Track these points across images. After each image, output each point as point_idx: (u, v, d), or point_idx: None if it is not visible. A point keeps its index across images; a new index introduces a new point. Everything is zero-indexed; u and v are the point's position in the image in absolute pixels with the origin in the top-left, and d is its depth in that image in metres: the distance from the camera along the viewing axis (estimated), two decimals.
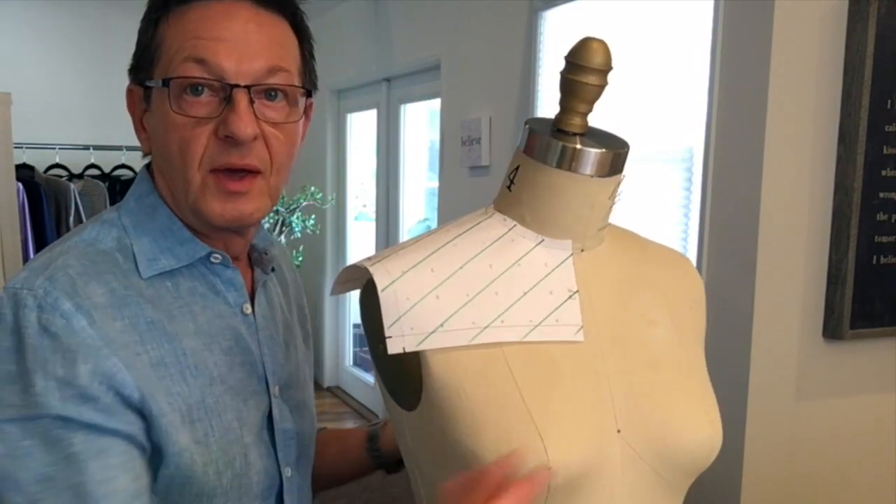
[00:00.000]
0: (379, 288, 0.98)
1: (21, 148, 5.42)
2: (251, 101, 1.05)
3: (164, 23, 1.07)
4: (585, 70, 0.99)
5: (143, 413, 1.01)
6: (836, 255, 2.41)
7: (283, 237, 6.19)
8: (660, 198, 2.86)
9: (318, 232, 6.33)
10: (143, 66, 1.10)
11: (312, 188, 6.13)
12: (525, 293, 1.03)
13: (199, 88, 1.04)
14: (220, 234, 1.14)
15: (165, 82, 1.05)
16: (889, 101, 2.35)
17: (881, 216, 2.40)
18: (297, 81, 1.12)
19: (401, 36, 5.11)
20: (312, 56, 1.19)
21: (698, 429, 1.03)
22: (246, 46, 1.05)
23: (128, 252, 1.09)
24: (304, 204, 6.14)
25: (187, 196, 1.08)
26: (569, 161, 1.02)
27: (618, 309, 1.08)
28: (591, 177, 1.03)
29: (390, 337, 0.97)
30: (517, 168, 1.08)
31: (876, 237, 2.41)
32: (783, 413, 2.43)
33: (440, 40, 4.48)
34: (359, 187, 6.55)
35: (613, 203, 1.07)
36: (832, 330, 2.43)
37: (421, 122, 5.58)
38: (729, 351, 2.42)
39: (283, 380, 1.21)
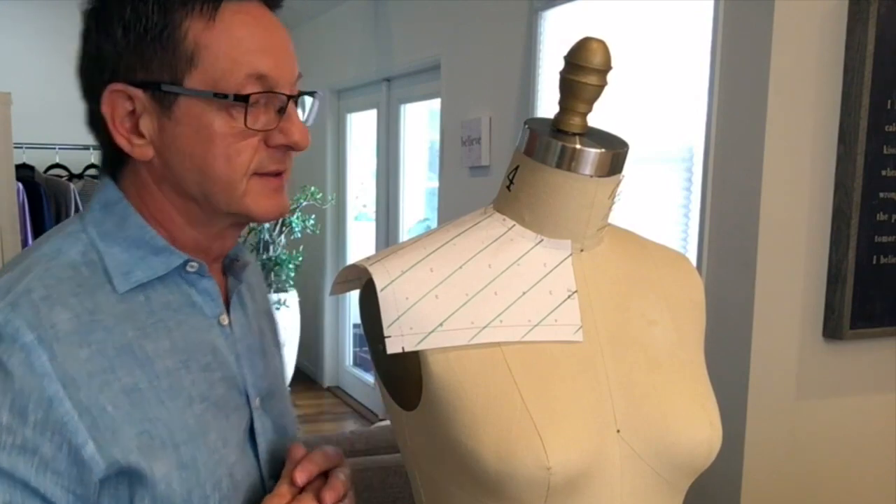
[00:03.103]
0: (378, 287, 0.99)
1: (21, 148, 5.42)
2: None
3: (198, 23, 0.99)
4: (585, 70, 0.99)
5: (98, 461, 0.95)
6: (836, 254, 2.41)
7: (283, 237, 6.20)
8: (660, 198, 2.86)
9: (318, 232, 6.34)
10: (160, 68, 1.00)
11: (312, 188, 6.14)
12: (524, 293, 1.03)
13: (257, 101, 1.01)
14: (229, 230, 1.11)
15: (239, 97, 0.99)
16: (889, 101, 2.35)
17: (881, 216, 2.40)
18: None
19: (401, 36, 5.11)
20: None
21: (698, 429, 1.03)
22: (286, 55, 1.04)
23: (96, 266, 1.02)
24: (304, 204, 6.15)
25: (230, 199, 1.03)
26: (568, 161, 1.02)
27: (617, 309, 1.08)
28: (591, 177, 1.03)
29: (389, 336, 0.97)
30: (517, 168, 1.08)
31: (876, 237, 2.41)
32: (783, 412, 2.43)
33: (440, 40, 4.48)
34: (359, 187, 6.55)
35: (613, 203, 1.07)
36: (832, 330, 2.43)
37: (421, 122, 5.58)
38: (729, 350, 2.43)
39: (264, 391, 1.16)
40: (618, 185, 1.06)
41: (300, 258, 6.30)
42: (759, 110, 2.32)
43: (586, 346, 1.03)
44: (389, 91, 5.54)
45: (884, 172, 2.38)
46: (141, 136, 1.02)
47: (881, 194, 2.39)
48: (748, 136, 2.36)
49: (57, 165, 5.99)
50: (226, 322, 1.12)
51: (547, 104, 3.45)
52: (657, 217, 2.86)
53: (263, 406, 1.15)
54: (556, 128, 1.05)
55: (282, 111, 1.03)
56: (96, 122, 1.04)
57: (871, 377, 2.51)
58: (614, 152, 1.04)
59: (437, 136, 4.68)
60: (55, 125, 5.92)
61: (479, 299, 1.01)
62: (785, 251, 2.38)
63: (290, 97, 1.03)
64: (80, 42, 1.04)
